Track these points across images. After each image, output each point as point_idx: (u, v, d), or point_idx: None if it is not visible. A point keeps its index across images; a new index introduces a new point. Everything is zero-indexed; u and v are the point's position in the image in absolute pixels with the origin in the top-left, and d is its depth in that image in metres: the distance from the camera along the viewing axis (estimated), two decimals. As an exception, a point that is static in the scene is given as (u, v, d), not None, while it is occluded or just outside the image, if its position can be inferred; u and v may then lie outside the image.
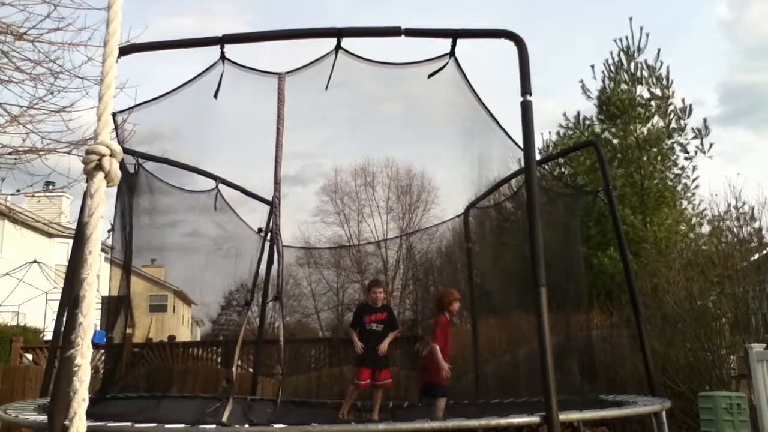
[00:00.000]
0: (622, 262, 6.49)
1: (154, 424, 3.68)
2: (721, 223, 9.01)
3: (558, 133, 13.44)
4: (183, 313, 34.76)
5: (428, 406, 5.71)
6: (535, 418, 3.76)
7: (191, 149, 7.82)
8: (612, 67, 13.00)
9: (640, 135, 12.42)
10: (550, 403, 3.64)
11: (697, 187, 12.31)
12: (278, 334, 5.47)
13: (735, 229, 8.71)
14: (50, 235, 21.11)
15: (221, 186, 7.79)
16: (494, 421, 4.00)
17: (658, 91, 12.63)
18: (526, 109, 4.16)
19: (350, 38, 4.74)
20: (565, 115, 13.47)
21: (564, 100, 37.12)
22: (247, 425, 3.84)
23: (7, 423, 4.35)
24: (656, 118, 12.64)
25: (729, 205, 8.73)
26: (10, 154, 6.33)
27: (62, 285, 7.07)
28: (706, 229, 11.28)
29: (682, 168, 12.43)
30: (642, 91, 12.74)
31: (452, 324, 6.29)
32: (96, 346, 12.04)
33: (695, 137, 12.28)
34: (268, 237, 7.14)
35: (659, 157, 12.36)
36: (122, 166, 5.84)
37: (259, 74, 5.23)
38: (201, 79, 5.08)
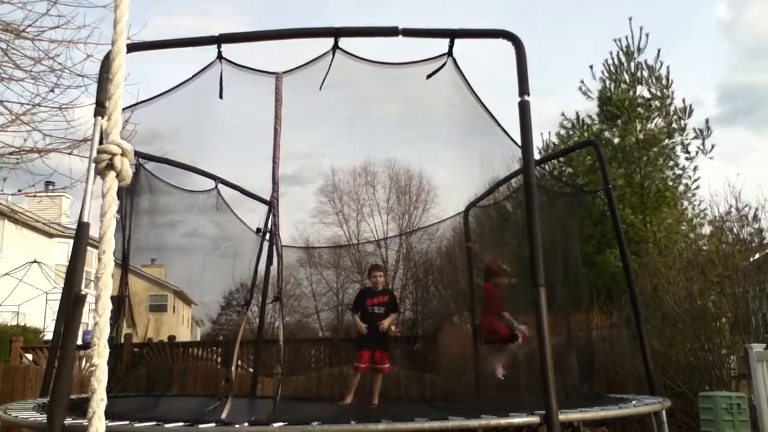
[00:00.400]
0: (622, 262, 6.49)
1: (154, 423, 3.68)
2: (722, 224, 9.01)
3: (558, 134, 13.46)
4: (183, 313, 34.76)
5: (428, 403, 5.74)
6: (535, 418, 3.76)
7: (189, 149, 7.84)
8: (612, 67, 13.02)
9: (641, 135, 12.42)
10: (550, 403, 3.64)
11: (697, 187, 12.33)
12: (278, 334, 5.46)
13: (735, 230, 8.71)
14: (50, 235, 21.12)
15: (220, 186, 7.80)
16: (494, 421, 3.99)
17: (658, 91, 12.64)
18: (524, 109, 4.16)
19: (348, 38, 4.74)
20: (563, 114, 13.48)
21: (564, 100, 37.15)
22: (246, 423, 3.83)
23: (7, 423, 4.35)
24: (657, 118, 12.64)
25: (730, 206, 8.74)
26: (11, 154, 6.34)
27: (62, 285, 7.07)
28: (707, 229, 11.29)
29: (683, 168, 12.45)
30: (642, 91, 12.76)
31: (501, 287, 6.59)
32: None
33: (696, 137, 12.30)
34: (267, 237, 7.14)
35: (659, 158, 12.36)
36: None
37: (257, 74, 5.23)
38: (198, 79, 5.08)
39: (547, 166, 10.88)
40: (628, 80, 12.84)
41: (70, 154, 6.74)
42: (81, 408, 4.78)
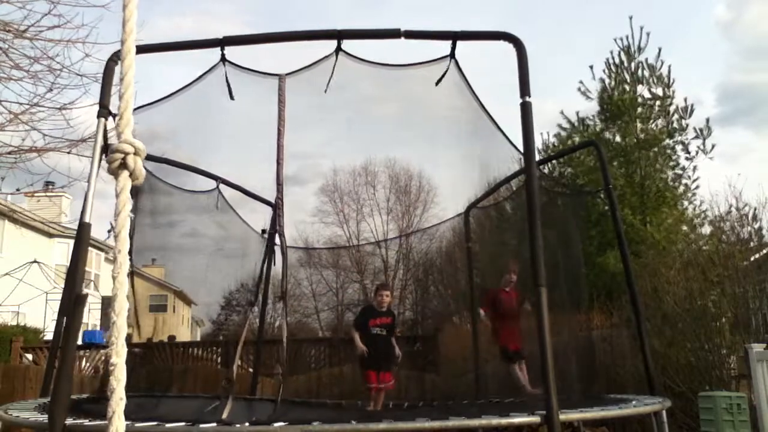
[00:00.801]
0: (622, 262, 6.50)
1: (154, 423, 3.68)
2: (722, 223, 9.01)
3: (558, 134, 13.46)
4: (183, 313, 34.76)
5: (428, 406, 5.75)
6: (535, 418, 3.76)
7: (192, 150, 7.83)
8: (613, 67, 13.00)
9: (641, 135, 12.42)
10: (551, 403, 3.64)
11: (697, 187, 12.33)
12: (280, 334, 5.47)
13: (736, 229, 8.71)
14: (50, 235, 21.11)
15: (222, 186, 7.80)
16: (494, 421, 3.99)
17: (659, 91, 12.63)
18: (526, 110, 4.17)
19: (350, 40, 4.75)
20: (563, 113, 13.47)
21: (564, 100, 37.15)
22: (247, 423, 3.84)
23: (8, 423, 4.35)
24: (658, 118, 12.64)
25: (730, 205, 8.74)
26: (10, 153, 6.34)
27: (62, 285, 7.07)
28: (707, 229, 11.29)
29: (683, 168, 12.44)
30: (643, 90, 12.75)
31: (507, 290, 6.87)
32: (96, 346, 12.06)
33: (696, 137, 12.29)
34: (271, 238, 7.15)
35: (660, 158, 12.36)
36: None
37: (260, 76, 5.24)
38: (202, 81, 5.09)
39: (547, 167, 10.89)
40: (628, 80, 12.84)
41: (69, 153, 6.75)
42: (81, 408, 4.79)
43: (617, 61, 12.94)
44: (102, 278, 23.27)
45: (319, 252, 15.46)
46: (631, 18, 12.66)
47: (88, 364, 11.57)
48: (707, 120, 12.29)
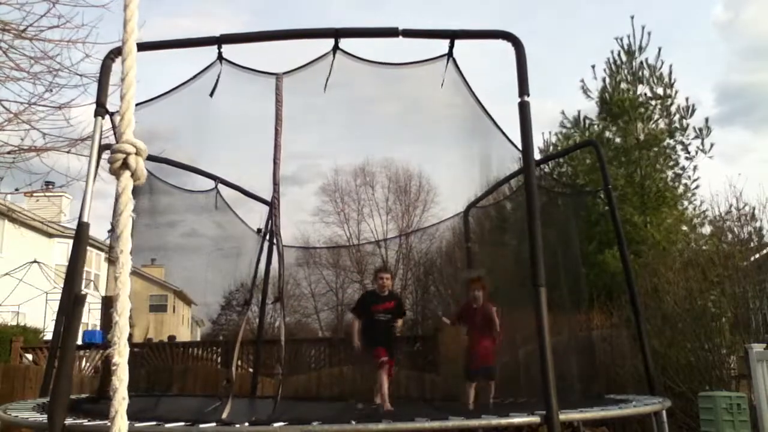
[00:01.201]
0: (622, 262, 6.49)
1: (154, 423, 3.67)
2: (723, 223, 9.01)
3: (558, 134, 13.45)
4: (183, 313, 34.77)
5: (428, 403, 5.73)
6: (535, 418, 3.76)
7: (189, 149, 7.82)
8: (613, 66, 12.98)
9: (642, 135, 12.41)
10: (551, 403, 3.64)
11: (697, 187, 12.32)
12: (278, 335, 5.46)
13: (736, 229, 8.71)
14: (50, 235, 21.11)
15: (220, 186, 7.80)
16: (494, 421, 3.99)
17: (659, 91, 12.61)
18: (524, 109, 4.17)
19: (348, 38, 4.74)
20: (563, 113, 13.45)
21: (564, 100, 37.14)
22: (247, 423, 3.83)
23: (7, 423, 4.35)
24: (659, 118, 12.63)
25: (730, 205, 8.74)
26: (9, 153, 6.33)
27: (62, 285, 7.06)
28: (707, 229, 11.29)
29: (683, 168, 12.43)
30: (643, 90, 12.73)
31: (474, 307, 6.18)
32: (95, 346, 12.04)
33: (696, 137, 12.28)
34: (268, 237, 7.14)
35: (660, 157, 12.35)
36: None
37: (257, 74, 5.23)
38: (199, 80, 5.08)
39: (547, 167, 10.88)
40: (629, 79, 12.82)
41: (68, 152, 6.74)
42: (81, 408, 4.78)
43: (617, 60, 12.93)
44: (102, 278, 23.27)
45: (318, 252, 15.45)
46: (632, 17, 12.68)
47: (87, 364, 11.57)
48: (706, 120, 12.29)
